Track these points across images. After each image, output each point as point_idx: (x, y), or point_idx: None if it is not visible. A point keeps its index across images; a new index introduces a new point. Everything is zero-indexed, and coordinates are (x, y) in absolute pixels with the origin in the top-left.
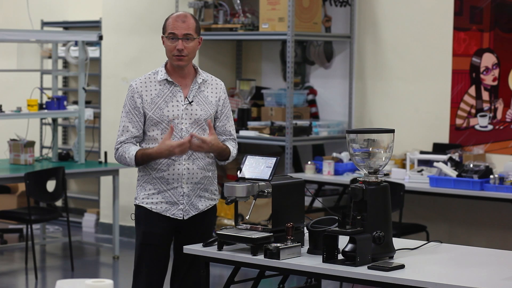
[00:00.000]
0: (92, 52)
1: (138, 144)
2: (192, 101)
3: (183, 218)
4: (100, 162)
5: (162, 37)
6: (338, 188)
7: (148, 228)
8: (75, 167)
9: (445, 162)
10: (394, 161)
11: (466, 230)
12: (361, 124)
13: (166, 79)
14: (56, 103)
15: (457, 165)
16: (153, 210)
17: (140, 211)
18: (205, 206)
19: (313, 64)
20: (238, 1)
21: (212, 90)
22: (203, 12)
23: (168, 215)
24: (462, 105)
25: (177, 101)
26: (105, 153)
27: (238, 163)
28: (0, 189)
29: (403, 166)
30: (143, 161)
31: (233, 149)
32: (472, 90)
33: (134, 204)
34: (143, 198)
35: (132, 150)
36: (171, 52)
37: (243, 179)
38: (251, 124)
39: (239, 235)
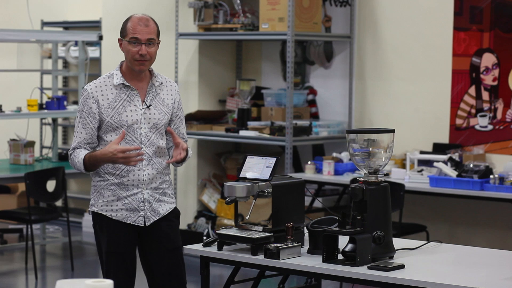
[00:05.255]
0: (92, 52)
1: (91, 149)
2: (150, 105)
3: (145, 224)
4: None
5: (119, 39)
6: (338, 188)
7: (112, 237)
8: None
9: (445, 162)
10: (394, 161)
11: (466, 230)
12: (361, 124)
13: (123, 83)
14: (56, 103)
15: (457, 165)
16: (113, 217)
17: (101, 219)
18: (166, 210)
19: (313, 64)
20: (238, 1)
21: (168, 93)
22: (203, 12)
23: (129, 222)
24: (462, 105)
25: (135, 105)
26: None
27: (238, 163)
28: (0, 189)
29: (403, 166)
30: (90, 164)
31: (189, 150)
32: (472, 90)
33: (92, 212)
34: (101, 206)
35: (81, 154)
36: (133, 56)
37: (243, 179)
38: (251, 124)
39: (239, 235)
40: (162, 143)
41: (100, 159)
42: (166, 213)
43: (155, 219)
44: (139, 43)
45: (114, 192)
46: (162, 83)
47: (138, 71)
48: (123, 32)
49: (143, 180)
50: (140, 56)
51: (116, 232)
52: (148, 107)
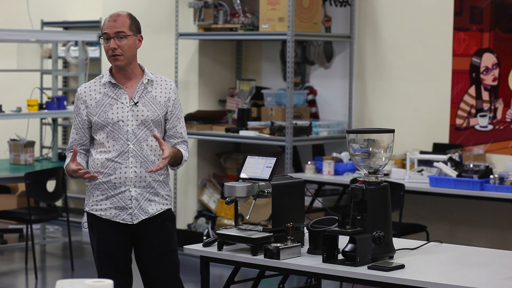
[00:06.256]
0: (92, 52)
1: (84, 151)
2: (137, 102)
3: (133, 222)
4: None
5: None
6: (338, 188)
7: (102, 236)
8: None
9: (445, 162)
10: (394, 161)
11: (466, 230)
12: (361, 124)
13: (110, 82)
14: (56, 103)
15: (457, 165)
16: (103, 217)
17: (92, 218)
18: (156, 210)
19: (313, 64)
20: (238, 1)
21: (161, 90)
22: (203, 12)
23: (118, 220)
24: (462, 105)
25: (122, 103)
26: None
27: (238, 163)
28: (0, 189)
29: (403, 166)
30: (69, 175)
31: (185, 152)
32: (472, 90)
33: (85, 211)
34: (92, 205)
35: (66, 161)
36: (107, 53)
37: (243, 179)
38: (251, 124)
39: (239, 235)
40: (152, 141)
41: (69, 174)
42: (156, 213)
43: (143, 218)
44: (109, 38)
45: (103, 191)
46: (153, 81)
47: (114, 67)
48: (100, 31)
49: (130, 177)
50: (112, 51)
51: (106, 232)
52: (135, 104)
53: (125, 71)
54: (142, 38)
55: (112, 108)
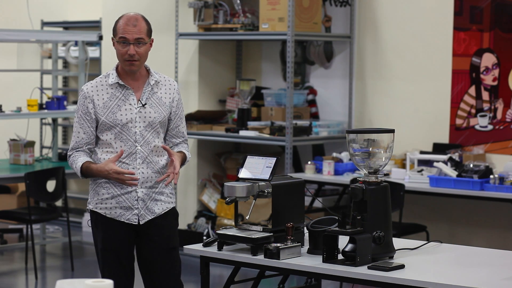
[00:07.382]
0: (92, 52)
1: (90, 151)
2: (145, 104)
3: (139, 223)
4: None
5: (112, 39)
6: (338, 188)
7: (106, 234)
8: None
9: (445, 162)
10: (394, 161)
11: (466, 230)
12: (361, 124)
13: (118, 83)
14: (56, 103)
15: (457, 165)
16: (107, 215)
17: (96, 216)
18: (162, 210)
19: (313, 64)
20: (238, 1)
21: (165, 91)
22: (203, 12)
23: (123, 220)
24: (462, 105)
25: (130, 104)
26: None
27: (238, 163)
28: (0, 189)
29: (403, 166)
30: (87, 174)
31: (187, 152)
32: (472, 90)
33: (88, 210)
34: (96, 204)
35: (79, 161)
36: (122, 56)
37: (243, 179)
38: (251, 124)
39: (239, 235)
40: (158, 142)
41: (96, 174)
42: (162, 212)
43: (150, 218)
44: (127, 43)
45: (108, 190)
46: (159, 82)
47: (128, 71)
48: (114, 31)
49: (138, 178)
50: (129, 56)
51: (110, 230)
52: (143, 105)
53: (134, 73)
54: (153, 41)
55: (120, 109)
